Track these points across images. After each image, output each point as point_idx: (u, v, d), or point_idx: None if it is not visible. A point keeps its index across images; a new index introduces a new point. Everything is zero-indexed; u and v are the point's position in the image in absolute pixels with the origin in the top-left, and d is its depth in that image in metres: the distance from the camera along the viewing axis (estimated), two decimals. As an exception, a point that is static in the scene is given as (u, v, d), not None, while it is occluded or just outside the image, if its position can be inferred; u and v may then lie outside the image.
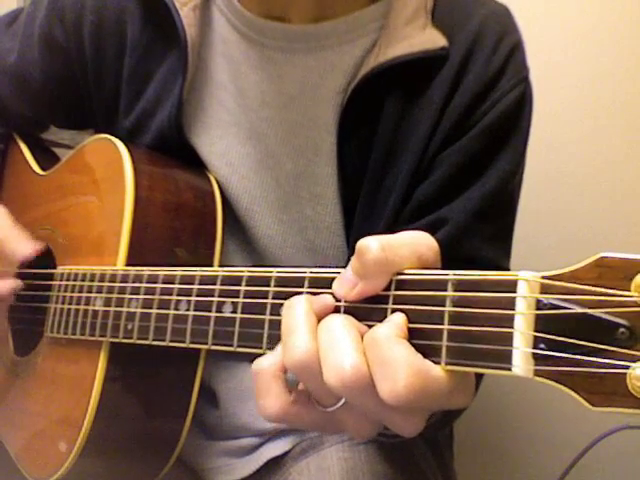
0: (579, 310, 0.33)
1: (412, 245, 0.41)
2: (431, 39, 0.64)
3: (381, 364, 0.37)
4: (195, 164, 0.71)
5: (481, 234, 0.66)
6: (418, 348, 0.38)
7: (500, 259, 0.68)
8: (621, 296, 0.32)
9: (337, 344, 0.38)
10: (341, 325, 0.39)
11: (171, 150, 0.71)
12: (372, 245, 0.39)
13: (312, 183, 0.69)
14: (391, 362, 0.36)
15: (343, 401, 0.40)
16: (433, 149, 0.65)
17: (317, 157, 0.69)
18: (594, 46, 1.07)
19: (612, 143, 1.07)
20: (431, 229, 0.63)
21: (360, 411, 0.40)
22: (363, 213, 0.67)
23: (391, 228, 0.66)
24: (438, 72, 0.65)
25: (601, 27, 1.07)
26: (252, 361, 0.72)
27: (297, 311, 0.41)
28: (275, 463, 0.73)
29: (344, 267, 0.42)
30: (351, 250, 0.68)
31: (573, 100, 1.08)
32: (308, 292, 0.44)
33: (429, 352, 0.38)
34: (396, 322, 0.39)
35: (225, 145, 0.70)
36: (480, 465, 1.13)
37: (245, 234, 0.72)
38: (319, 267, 0.45)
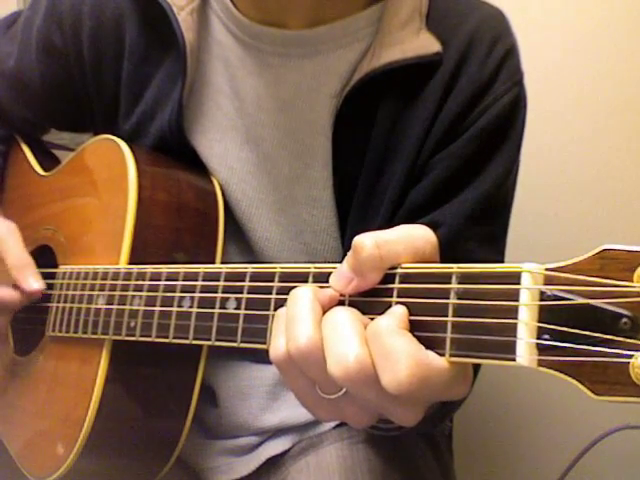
0: (582, 301, 0.34)
1: (408, 240, 0.42)
2: (425, 44, 0.65)
3: (383, 355, 0.37)
4: (196, 166, 0.72)
5: (475, 237, 0.66)
6: (423, 340, 0.38)
7: (494, 261, 0.68)
8: (624, 287, 0.33)
9: (342, 336, 0.39)
10: (346, 317, 0.40)
11: (171, 153, 0.71)
12: (367, 242, 0.41)
13: (308, 187, 0.70)
14: (393, 353, 0.37)
15: (344, 390, 0.40)
16: (427, 152, 0.66)
17: (313, 161, 0.69)
18: (594, 45, 1.07)
19: (613, 141, 1.07)
20: None
21: (360, 401, 0.41)
22: (357, 215, 0.68)
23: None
24: (432, 76, 0.65)
25: (600, 28, 1.07)
26: (252, 360, 0.73)
27: (302, 300, 0.41)
28: (274, 462, 0.73)
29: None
30: (345, 251, 0.69)
31: (574, 98, 1.09)
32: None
33: (434, 344, 0.38)
34: (397, 314, 0.39)
35: (224, 148, 0.71)
36: (480, 465, 1.13)
37: (244, 237, 0.72)
38: (323, 263, 0.45)
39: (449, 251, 0.63)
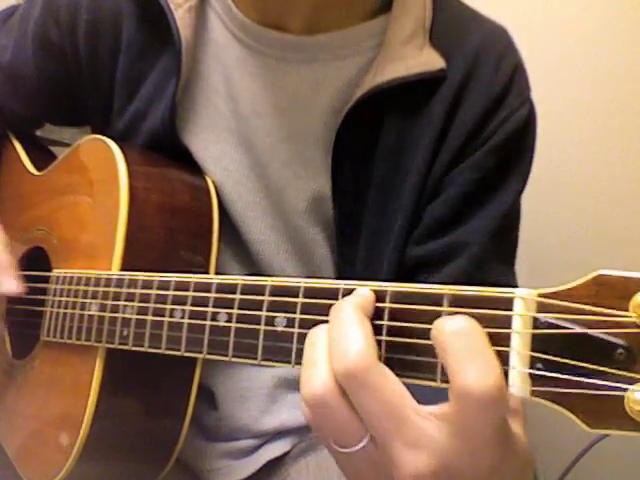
0: (577, 330, 0.33)
1: None
2: (429, 60, 0.64)
3: (470, 354, 0.33)
4: (189, 166, 0.71)
5: (497, 255, 0.65)
6: (411, 364, 0.37)
7: (511, 278, 0.68)
8: (619, 316, 0.31)
9: (345, 333, 0.37)
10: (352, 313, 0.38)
11: (164, 152, 0.70)
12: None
13: (294, 196, 0.69)
14: (486, 353, 0.34)
15: (366, 441, 0.37)
16: (440, 168, 0.65)
17: (303, 171, 0.68)
18: (594, 48, 1.07)
19: (610, 149, 1.06)
20: (450, 252, 0.63)
21: (381, 451, 0.36)
22: (370, 235, 0.67)
23: (401, 249, 0.66)
24: (436, 91, 0.64)
25: (601, 29, 1.06)
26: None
27: (320, 342, 0.38)
28: (274, 464, 0.73)
29: (334, 277, 0.42)
30: (343, 265, 0.68)
31: (572, 103, 1.08)
32: (302, 302, 0.43)
33: (423, 369, 0.37)
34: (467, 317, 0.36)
35: (220, 150, 0.70)
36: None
37: (240, 239, 0.71)
38: (314, 277, 0.44)
39: (478, 272, 0.62)
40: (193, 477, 0.74)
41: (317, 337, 0.39)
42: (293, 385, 0.73)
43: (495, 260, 0.65)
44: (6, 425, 0.72)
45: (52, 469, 0.63)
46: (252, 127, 0.68)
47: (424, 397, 0.37)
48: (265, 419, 0.72)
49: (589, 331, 0.32)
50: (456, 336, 0.34)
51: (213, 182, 0.70)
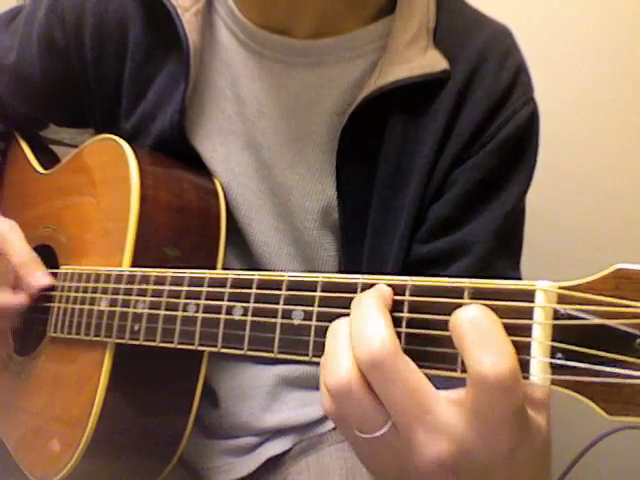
0: (596, 321, 0.34)
1: None
2: (432, 62, 0.64)
3: (486, 342, 0.34)
4: (197, 167, 0.72)
5: (503, 254, 0.66)
6: (431, 355, 0.38)
7: (517, 276, 0.69)
8: (638, 308, 0.33)
9: (368, 323, 0.37)
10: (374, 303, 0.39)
11: (172, 153, 0.71)
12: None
13: (301, 197, 0.70)
14: (501, 342, 0.35)
15: (388, 426, 0.38)
16: (444, 167, 0.65)
17: (308, 173, 0.69)
18: (595, 47, 1.07)
19: (610, 148, 1.07)
20: (455, 252, 0.64)
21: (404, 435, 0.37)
22: (374, 235, 0.68)
23: (406, 249, 0.67)
24: (440, 92, 0.65)
25: (601, 29, 1.07)
26: (253, 361, 0.73)
27: (342, 334, 0.39)
28: (274, 462, 0.74)
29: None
30: (346, 267, 0.69)
31: (573, 103, 1.09)
32: (320, 296, 0.44)
33: (444, 360, 0.38)
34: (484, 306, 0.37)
35: (226, 152, 0.71)
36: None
37: (243, 240, 0.72)
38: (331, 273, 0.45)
39: (482, 271, 0.63)
40: (193, 474, 0.75)
41: (339, 328, 0.40)
42: (294, 383, 0.74)
43: (500, 260, 0.65)
44: (8, 422, 0.72)
45: (57, 465, 0.63)
46: (258, 130, 0.69)
47: (437, 382, 0.38)
48: (266, 417, 0.73)
49: (608, 322, 0.33)
50: (470, 324, 0.35)
51: (221, 184, 0.71)
